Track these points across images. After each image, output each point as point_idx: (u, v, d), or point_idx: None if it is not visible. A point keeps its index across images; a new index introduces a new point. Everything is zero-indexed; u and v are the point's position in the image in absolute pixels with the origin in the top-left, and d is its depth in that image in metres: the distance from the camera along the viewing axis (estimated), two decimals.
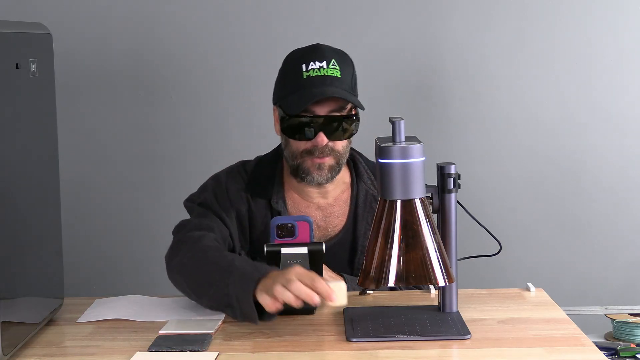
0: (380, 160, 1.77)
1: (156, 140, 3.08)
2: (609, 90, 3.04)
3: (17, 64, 1.76)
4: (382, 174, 1.77)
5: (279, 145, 2.31)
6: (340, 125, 2.17)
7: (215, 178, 2.31)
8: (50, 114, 1.97)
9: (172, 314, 2.01)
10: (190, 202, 2.29)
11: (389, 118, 1.80)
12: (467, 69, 3.03)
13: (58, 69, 2.05)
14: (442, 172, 1.90)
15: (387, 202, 1.78)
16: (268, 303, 1.77)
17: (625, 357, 2.30)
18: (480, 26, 3.02)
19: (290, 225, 2.02)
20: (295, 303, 1.75)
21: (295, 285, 1.75)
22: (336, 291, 1.76)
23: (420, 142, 1.78)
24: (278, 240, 2.01)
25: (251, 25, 3.03)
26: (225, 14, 3.03)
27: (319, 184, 2.22)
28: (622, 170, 3.06)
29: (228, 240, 2.20)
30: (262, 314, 1.83)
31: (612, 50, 3.02)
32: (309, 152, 2.18)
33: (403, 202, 1.77)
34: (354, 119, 2.19)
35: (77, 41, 3.02)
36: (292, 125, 2.17)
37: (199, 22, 3.04)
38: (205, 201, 2.25)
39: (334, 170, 2.20)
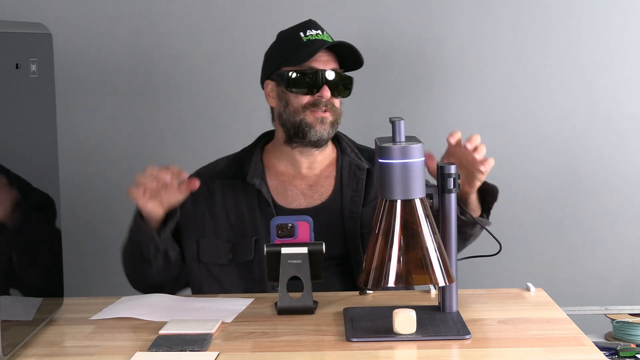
0: (380, 161, 1.77)
1: (157, 140, 3.08)
2: (609, 90, 3.03)
3: (17, 64, 1.76)
4: (382, 174, 1.77)
5: (260, 136, 2.41)
6: (341, 83, 2.28)
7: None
8: (50, 114, 1.97)
9: (192, 313, 2.01)
10: None
11: (389, 118, 1.80)
12: (468, 69, 3.03)
13: (58, 69, 2.05)
14: (442, 172, 1.90)
15: (387, 202, 1.78)
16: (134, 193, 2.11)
17: (625, 357, 2.30)
18: (481, 25, 3.01)
19: (290, 225, 2.02)
20: (151, 184, 2.09)
21: (147, 171, 2.09)
22: (406, 321, 1.79)
23: (420, 142, 1.78)
24: (278, 240, 2.01)
25: (253, 25, 3.03)
26: (226, 14, 3.03)
27: (316, 145, 2.27)
28: (623, 170, 3.06)
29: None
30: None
31: (613, 49, 3.02)
32: (313, 105, 2.24)
33: (403, 202, 1.77)
34: (351, 79, 2.31)
35: (77, 41, 3.02)
36: (298, 79, 2.24)
37: (199, 22, 3.03)
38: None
39: (333, 127, 2.28)
